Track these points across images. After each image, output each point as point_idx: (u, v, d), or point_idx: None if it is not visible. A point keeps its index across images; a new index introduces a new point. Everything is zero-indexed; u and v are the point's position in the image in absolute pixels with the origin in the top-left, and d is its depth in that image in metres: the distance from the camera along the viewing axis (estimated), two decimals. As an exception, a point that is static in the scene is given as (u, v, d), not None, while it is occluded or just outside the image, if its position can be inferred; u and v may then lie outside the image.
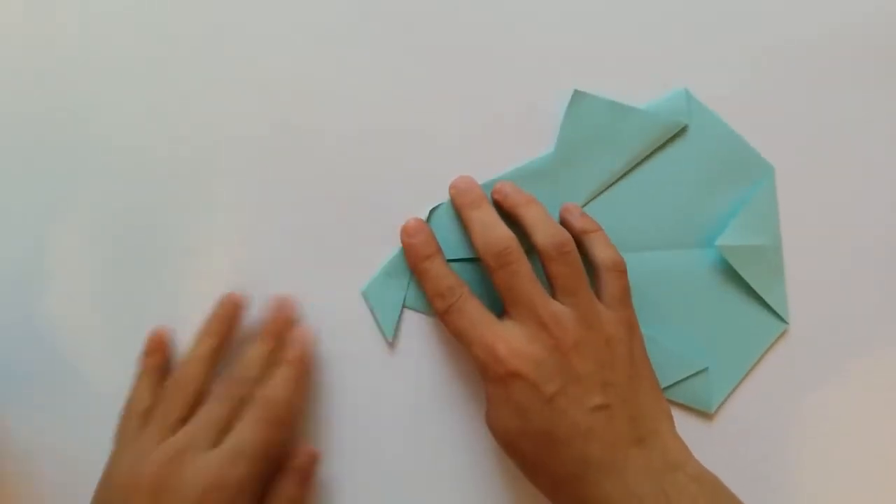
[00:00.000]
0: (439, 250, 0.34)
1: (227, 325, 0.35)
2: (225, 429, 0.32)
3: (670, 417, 0.32)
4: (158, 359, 0.35)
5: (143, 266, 0.36)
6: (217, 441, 0.31)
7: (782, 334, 0.37)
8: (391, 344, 0.36)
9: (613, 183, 0.36)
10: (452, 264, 0.35)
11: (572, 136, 0.36)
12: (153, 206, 0.36)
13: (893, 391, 0.37)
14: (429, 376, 0.36)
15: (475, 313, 0.32)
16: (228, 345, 0.35)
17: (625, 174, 0.36)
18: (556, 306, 0.31)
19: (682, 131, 0.36)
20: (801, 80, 0.37)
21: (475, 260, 0.35)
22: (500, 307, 0.33)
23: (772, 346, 0.37)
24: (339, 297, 0.36)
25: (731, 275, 0.36)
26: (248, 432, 0.32)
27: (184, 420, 0.32)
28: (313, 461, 0.34)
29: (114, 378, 0.35)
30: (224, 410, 0.32)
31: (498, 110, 0.36)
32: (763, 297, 0.36)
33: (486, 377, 0.32)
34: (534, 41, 0.37)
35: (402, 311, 0.36)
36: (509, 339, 0.31)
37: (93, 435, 0.33)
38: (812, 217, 0.37)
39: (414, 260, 0.34)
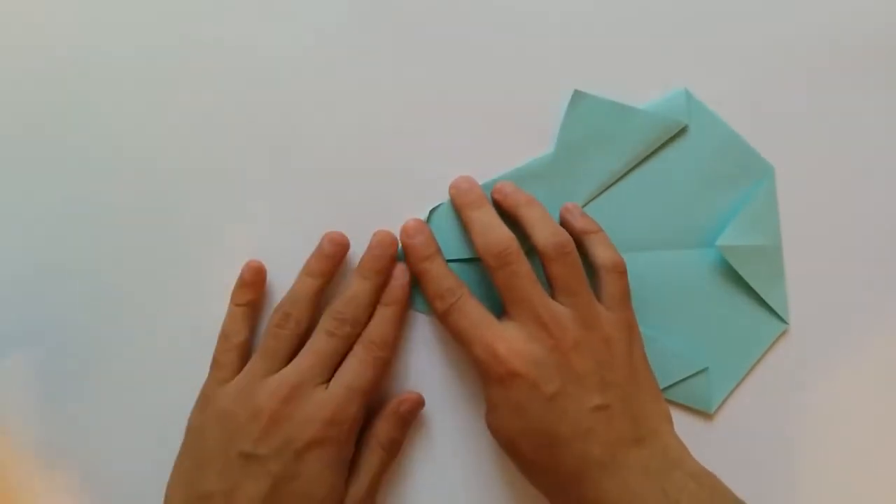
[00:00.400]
0: (439, 251, 0.34)
1: (330, 264, 0.34)
2: (332, 365, 0.32)
3: (669, 418, 0.32)
4: (255, 292, 0.35)
5: (143, 266, 0.36)
6: (326, 377, 0.32)
7: (782, 334, 0.37)
8: (391, 344, 0.36)
9: (613, 183, 0.36)
10: (452, 264, 0.35)
11: (572, 137, 0.36)
12: (153, 206, 0.36)
13: (893, 391, 0.37)
14: (429, 376, 0.36)
15: (475, 314, 0.32)
16: (331, 284, 0.35)
17: (625, 174, 0.36)
18: (555, 306, 0.31)
19: (682, 131, 0.36)
20: (801, 80, 0.37)
21: (475, 260, 0.35)
22: (500, 307, 0.33)
23: (772, 346, 0.37)
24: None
25: (731, 275, 0.36)
26: (361, 370, 0.32)
27: (289, 356, 0.33)
28: (419, 407, 0.35)
29: (114, 378, 0.35)
30: (333, 347, 0.32)
31: (498, 110, 0.36)
32: (763, 297, 0.36)
33: (486, 377, 0.32)
34: (534, 41, 0.37)
35: (402, 312, 0.36)
36: (509, 339, 0.31)
37: (94, 434, 0.33)
38: (812, 217, 0.37)
39: (414, 260, 0.34)
